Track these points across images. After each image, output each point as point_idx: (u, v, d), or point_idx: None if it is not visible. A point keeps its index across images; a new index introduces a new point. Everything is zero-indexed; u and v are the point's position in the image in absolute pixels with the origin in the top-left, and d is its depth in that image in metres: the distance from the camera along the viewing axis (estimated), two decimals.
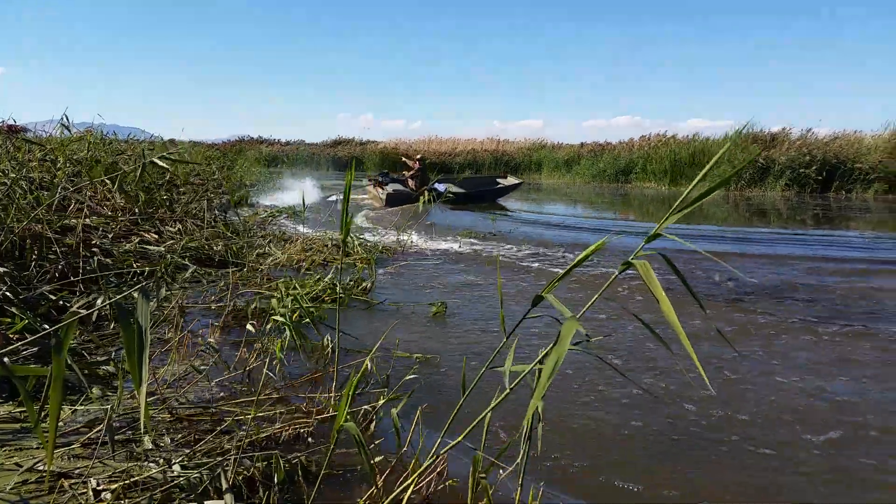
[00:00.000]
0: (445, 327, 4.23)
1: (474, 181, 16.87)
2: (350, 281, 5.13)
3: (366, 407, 2.69)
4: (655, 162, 23.26)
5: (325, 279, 4.74)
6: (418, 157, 14.81)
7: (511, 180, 16.20)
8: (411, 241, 7.90)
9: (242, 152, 35.75)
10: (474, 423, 1.66)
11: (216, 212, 7.44)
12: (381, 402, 2.66)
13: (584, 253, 1.43)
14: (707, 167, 1.39)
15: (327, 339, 3.50)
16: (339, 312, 2.43)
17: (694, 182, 1.37)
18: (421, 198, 8.30)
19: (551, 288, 1.42)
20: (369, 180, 15.21)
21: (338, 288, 4.47)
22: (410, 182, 13.89)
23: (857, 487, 2.31)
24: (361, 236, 7.26)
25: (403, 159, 15.65)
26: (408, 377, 2.91)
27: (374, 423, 2.60)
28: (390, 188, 13.46)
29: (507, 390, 1.58)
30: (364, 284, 5.12)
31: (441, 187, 13.36)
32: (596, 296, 1.44)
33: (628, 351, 3.79)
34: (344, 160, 37.12)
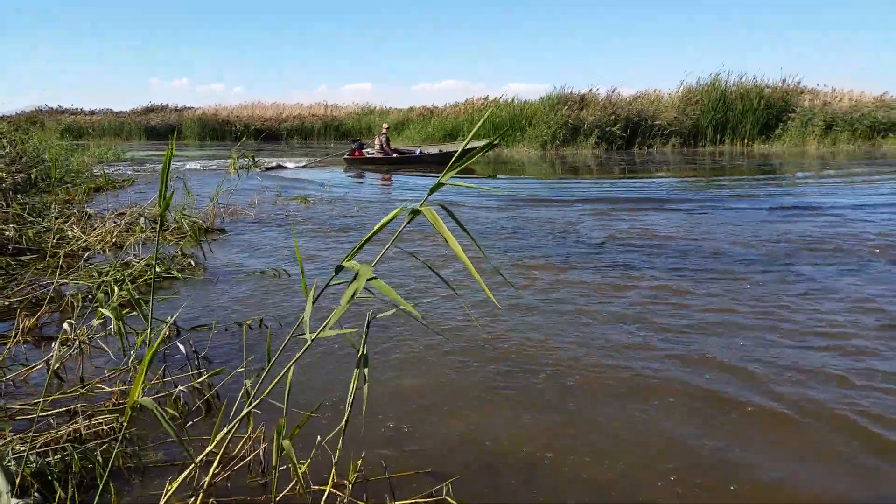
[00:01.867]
0: (279, 295, 4.20)
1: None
2: (174, 258, 4.91)
3: (182, 388, 2.65)
4: (480, 126, 24.15)
5: (142, 259, 4.49)
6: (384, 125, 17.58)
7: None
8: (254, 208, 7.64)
9: (40, 125, 31.91)
10: (276, 380, 1.72)
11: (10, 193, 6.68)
12: (202, 378, 2.64)
13: (381, 223, 1.53)
14: (474, 130, 1.54)
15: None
16: (153, 294, 2.34)
17: (466, 140, 1.53)
18: None
19: (353, 255, 1.50)
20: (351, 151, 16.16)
21: (152, 268, 4.24)
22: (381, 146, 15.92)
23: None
24: (189, 209, 6.85)
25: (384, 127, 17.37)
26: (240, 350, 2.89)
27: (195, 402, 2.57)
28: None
29: (309, 342, 1.65)
30: (187, 262, 4.92)
31: (417, 151, 16.37)
32: (387, 245, 1.54)
33: (436, 306, 4.01)
34: (159, 129, 34.40)
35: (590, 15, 54.01)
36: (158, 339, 2.06)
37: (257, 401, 1.77)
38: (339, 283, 1.69)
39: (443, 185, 1.48)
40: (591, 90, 23.58)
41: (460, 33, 59.01)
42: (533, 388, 2.82)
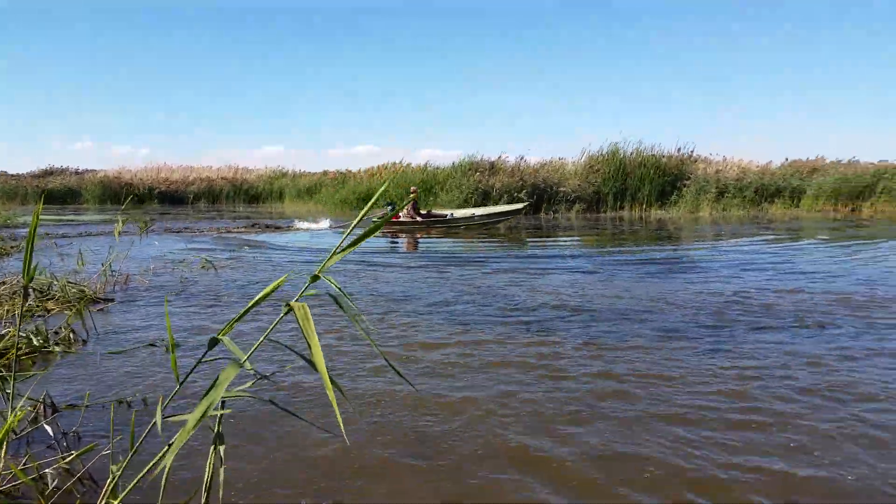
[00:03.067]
0: (166, 368, 3.96)
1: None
2: (55, 331, 4.57)
3: (49, 470, 2.42)
4: (392, 189, 24.43)
5: (9, 332, 4.15)
6: (413, 188, 17.85)
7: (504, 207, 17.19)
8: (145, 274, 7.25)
9: None
10: (144, 470, 1.59)
11: None
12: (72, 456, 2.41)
13: (260, 294, 1.47)
14: (368, 205, 1.53)
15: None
16: (14, 370, 2.16)
17: (356, 220, 1.50)
18: None
19: (228, 329, 1.43)
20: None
21: (14, 343, 3.94)
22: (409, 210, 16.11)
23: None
24: (74, 277, 6.43)
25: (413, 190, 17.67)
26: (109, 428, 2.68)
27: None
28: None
29: (166, 447, 1.54)
30: (67, 334, 4.59)
31: (448, 214, 16.50)
32: (260, 339, 1.49)
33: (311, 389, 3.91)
34: (57, 192, 32.82)
35: (500, 87, 56.40)
36: (11, 419, 1.87)
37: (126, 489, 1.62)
38: (218, 359, 1.61)
39: (318, 278, 1.43)
40: (500, 157, 24.47)
41: (373, 98, 60.07)
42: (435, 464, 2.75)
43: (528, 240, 13.54)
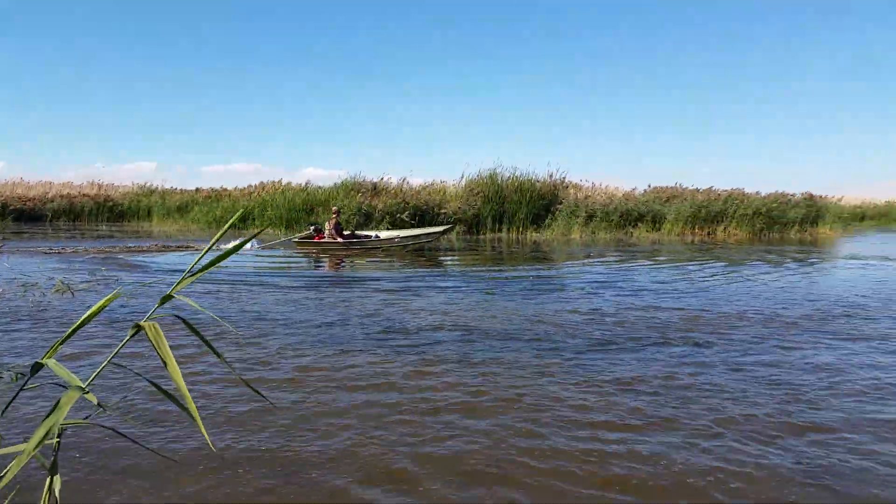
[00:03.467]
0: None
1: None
2: None
3: None
4: (272, 209, 23.78)
5: None
6: (335, 208, 16.65)
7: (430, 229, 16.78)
8: None
9: None
10: None
11: None
12: None
13: (89, 312, 1.38)
14: (222, 231, 1.48)
15: None
16: None
17: (211, 242, 1.45)
18: None
19: (53, 352, 1.33)
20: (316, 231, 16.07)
21: None
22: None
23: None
24: None
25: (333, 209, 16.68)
26: None
27: None
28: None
29: (17, 466, 1.41)
30: None
31: (373, 235, 16.21)
32: (104, 363, 1.40)
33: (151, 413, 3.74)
34: None
35: (381, 108, 56.66)
36: None
37: None
38: (43, 384, 1.49)
39: (171, 297, 1.37)
40: (382, 179, 24.51)
41: (253, 114, 58.30)
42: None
43: (411, 260, 13.61)
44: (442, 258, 14.42)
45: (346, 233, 16.18)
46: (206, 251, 1.40)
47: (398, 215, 21.86)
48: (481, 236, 22.59)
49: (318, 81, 56.87)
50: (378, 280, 9.74)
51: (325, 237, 15.48)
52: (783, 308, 7.31)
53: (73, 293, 7.63)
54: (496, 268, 12.08)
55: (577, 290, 8.64)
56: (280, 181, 27.02)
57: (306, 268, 12.06)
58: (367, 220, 21.68)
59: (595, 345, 5.35)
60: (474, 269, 11.99)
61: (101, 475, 2.74)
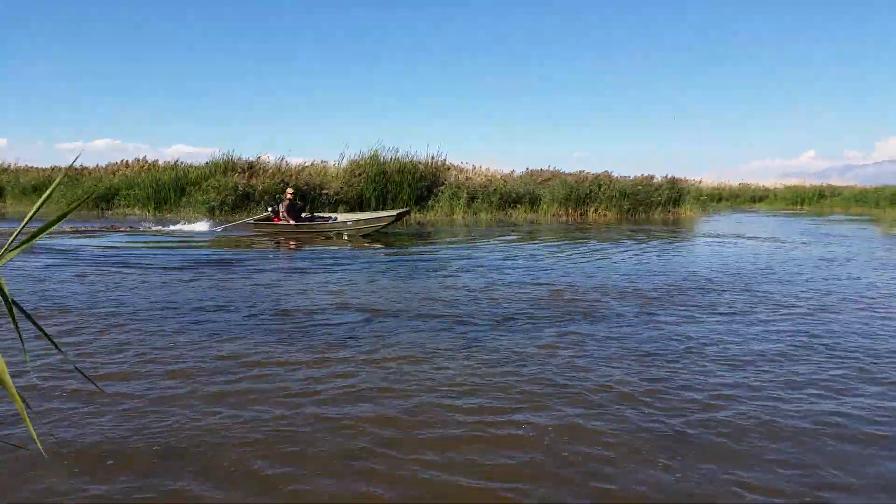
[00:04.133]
0: None
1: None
2: None
3: None
4: (139, 188, 22.38)
5: None
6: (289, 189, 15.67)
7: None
8: None
9: None
10: None
11: None
12: None
13: None
14: (40, 201, 1.40)
15: None
16: None
17: (29, 215, 1.38)
18: None
19: None
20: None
21: None
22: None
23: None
24: None
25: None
26: None
27: None
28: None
29: None
30: None
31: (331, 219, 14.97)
32: None
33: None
34: None
35: (262, 86, 54.67)
36: None
37: None
38: None
39: None
40: (259, 157, 23.70)
41: (114, 86, 54.23)
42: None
43: (304, 242, 13.32)
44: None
45: (304, 215, 15.32)
46: (21, 229, 1.32)
47: (278, 196, 21.27)
48: (163, 218, 22.38)
49: (192, 54, 53.79)
50: (265, 260, 9.48)
51: (280, 220, 14.74)
52: (644, 283, 7.90)
53: None
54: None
55: (462, 269, 8.86)
56: (145, 158, 25.46)
57: (195, 247, 11.50)
58: (246, 199, 20.93)
59: (481, 321, 5.54)
60: (361, 250, 11.95)
61: None
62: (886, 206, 32.90)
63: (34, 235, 1.27)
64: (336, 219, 15.15)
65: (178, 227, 16.27)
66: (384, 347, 4.60)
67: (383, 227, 15.04)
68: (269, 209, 15.47)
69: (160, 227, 16.03)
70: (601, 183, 25.98)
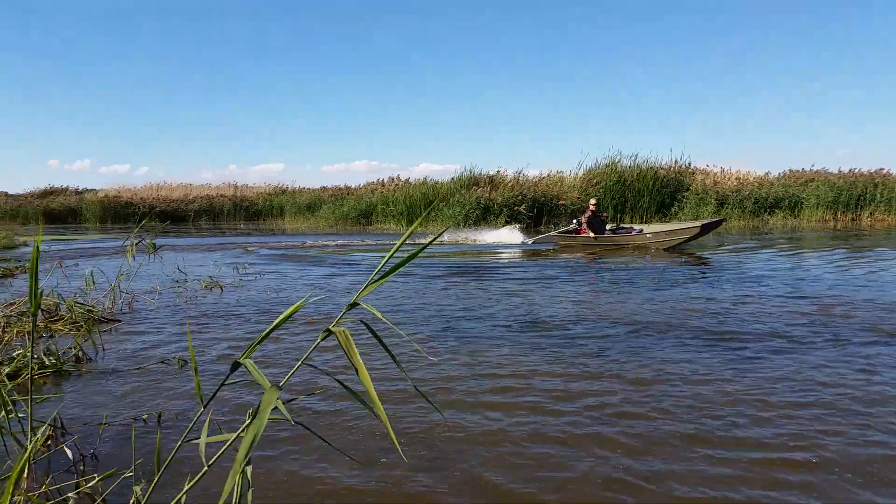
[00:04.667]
0: (181, 385, 3.94)
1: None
2: (61, 351, 4.55)
3: (72, 495, 2.40)
4: (392, 204, 24.46)
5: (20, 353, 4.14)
6: (592, 200, 15.49)
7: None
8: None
9: None
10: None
11: None
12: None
13: (281, 316, 1.47)
14: (402, 239, 1.52)
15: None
16: (31, 392, 2.15)
17: (393, 250, 1.50)
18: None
19: (250, 352, 1.43)
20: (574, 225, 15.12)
21: (29, 365, 3.93)
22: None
23: None
24: (81, 297, 6.41)
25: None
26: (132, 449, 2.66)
27: None
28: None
29: (206, 468, 1.53)
30: (77, 354, 4.57)
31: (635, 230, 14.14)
32: (298, 363, 1.48)
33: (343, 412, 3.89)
34: (58, 212, 32.91)
35: (492, 100, 56.62)
36: (31, 445, 1.86)
37: None
38: (237, 381, 1.60)
39: (357, 304, 1.43)
40: (499, 171, 24.54)
41: (370, 113, 60.19)
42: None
43: (593, 255, 12.90)
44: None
45: (610, 227, 14.70)
46: (392, 254, 1.44)
47: (516, 207, 21.81)
48: (474, 228, 22.06)
49: (422, 82, 57.67)
50: (519, 271, 9.72)
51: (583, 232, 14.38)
52: None
53: (221, 288, 8.21)
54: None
55: (712, 281, 8.22)
56: (398, 177, 27.74)
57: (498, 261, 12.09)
58: (486, 212, 21.78)
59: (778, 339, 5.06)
60: (603, 261, 11.72)
61: (282, 469, 2.93)
62: None
63: (399, 265, 1.40)
64: (641, 230, 13.93)
65: (488, 236, 16.69)
66: (640, 367, 4.39)
67: (687, 239, 13.28)
68: (574, 221, 14.90)
69: (473, 237, 16.94)
70: (877, 182, 22.49)
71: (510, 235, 16.63)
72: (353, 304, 1.42)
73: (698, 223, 13.20)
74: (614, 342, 5.06)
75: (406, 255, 1.43)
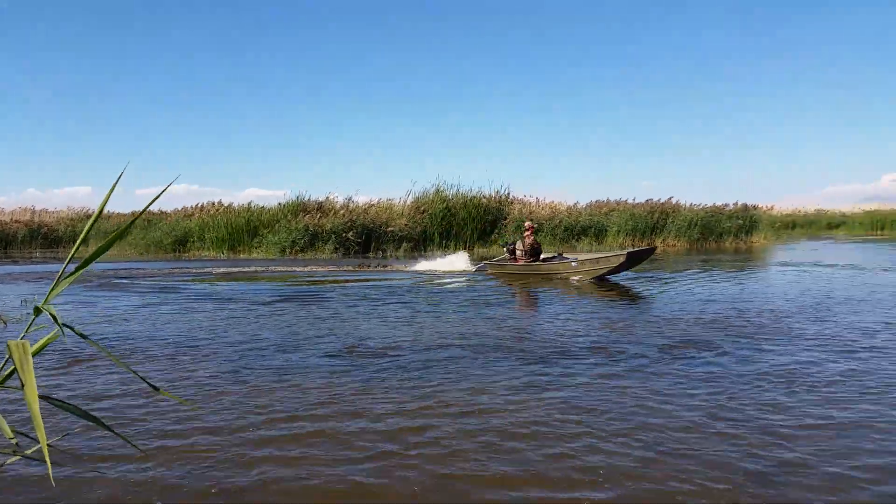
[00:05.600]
0: None
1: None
2: None
3: None
4: (213, 230, 23.25)
5: None
6: (528, 223, 14.20)
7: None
8: None
9: None
10: None
11: None
12: None
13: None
14: (79, 238, 1.46)
15: None
16: None
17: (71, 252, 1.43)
18: None
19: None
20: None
21: None
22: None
23: None
24: None
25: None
26: None
27: None
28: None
29: None
30: None
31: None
32: None
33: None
34: None
35: (325, 127, 56.15)
36: None
37: None
38: None
39: (41, 311, 1.36)
40: (328, 198, 24.33)
41: (190, 136, 56.79)
42: None
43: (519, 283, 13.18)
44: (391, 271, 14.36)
45: (544, 256, 13.53)
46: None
47: (345, 234, 21.73)
48: (429, 252, 22.63)
49: (255, 102, 55.93)
50: (328, 299, 9.62)
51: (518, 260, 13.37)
52: (740, 311, 7.59)
53: (4, 323, 7.31)
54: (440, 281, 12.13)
55: (494, 303, 8.73)
56: (220, 202, 26.48)
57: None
58: (314, 239, 21.45)
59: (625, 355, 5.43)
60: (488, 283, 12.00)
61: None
62: None
63: (79, 267, 1.33)
64: (572, 259, 12.69)
65: (435, 265, 15.63)
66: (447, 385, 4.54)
67: (614, 268, 12.04)
68: (505, 248, 14.07)
69: (412, 266, 15.87)
70: (668, 212, 25.44)
71: (458, 261, 15.70)
72: (39, 311, 1.37)
73: (623, 252, 12.26)
74: (423, 364, 5.19)
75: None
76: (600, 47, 55.06)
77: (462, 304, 8.85)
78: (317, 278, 13.21)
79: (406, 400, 4.12)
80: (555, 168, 56.09)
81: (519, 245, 13.37)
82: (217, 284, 12.09)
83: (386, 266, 16.32)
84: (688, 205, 26.71)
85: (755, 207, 28.38)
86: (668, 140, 56.27)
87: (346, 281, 12.53)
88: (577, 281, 12.07)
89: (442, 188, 24.84)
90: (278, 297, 9.69)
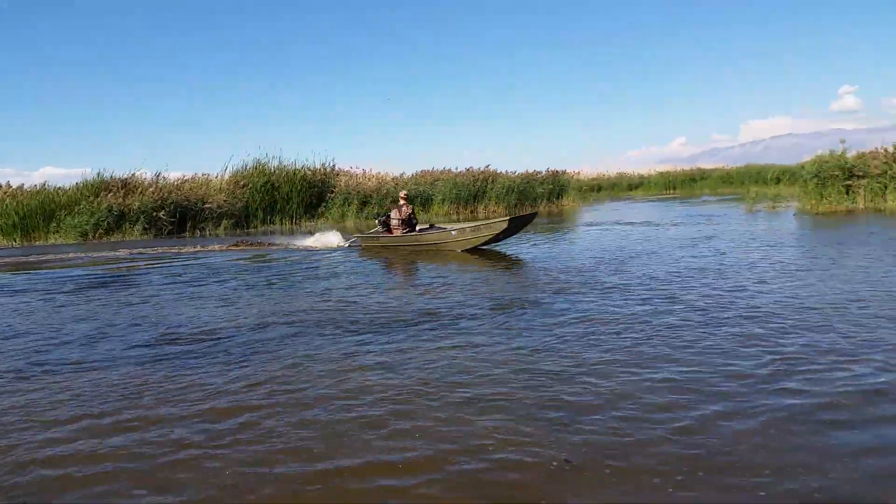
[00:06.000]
0: None
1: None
2: None
3: None
4: (2, 216, 20.58)
5: None
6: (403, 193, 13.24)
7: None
8: None
9: None
10: None
11: None
12: None
13: None
14: None
15: None
16: None
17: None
18: None
19: None
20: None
21: None
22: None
23: None
24: None
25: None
26: None
27: None
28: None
29: None
30: None
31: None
32: None
33: None
34: None
35: (132, 100, 51.63)
36: None
37: None
38: None
39: None
40: (134, 175, 22.43)
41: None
42: None
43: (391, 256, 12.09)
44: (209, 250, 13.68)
45: (420, 227, 12.85)
46: None
47: (155, 214, 20.23)
48: (252, 229, 21.82)
49: (58, 71, 49.98)
50: (148, 276, 8.98)
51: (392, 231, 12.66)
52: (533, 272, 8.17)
53: None
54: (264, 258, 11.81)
55: (327, 275, 8.78)
56: (8, 184, 23.43)
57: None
58: (120, 220, 19.76)
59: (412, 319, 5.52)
60: (242, 261, 11.60)
61: None
62: (751, 185, 35.38)
63: None
64: (451, 230, 12.28)
65: (309, 241, 14.56)
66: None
67: (494, 236, 11.78)
68: (377, 220, 13.22)
69: (290, 242, 14.83)
70: (487, 179, 26.55)
71: (333, 238, 14.58)
72: None
73: (505, 219, 11.96)
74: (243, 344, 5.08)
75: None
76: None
77: (300, 281, 8.69)
78: (123, 263, 12.25)
79: (223, 383, 4.01)
80: (380, 139, 56.23)
81: (395, 214, 12.65)
82: (5, 276, 10.82)
83: (258, 243, 15.41)
84: (504, 172, 28.05)
85: (564, 173, 30.43)
86: (485, 109, 58.45)
87: (158, 263, 11.76)
88: (459, 249, 11.80)
89: (263, 161, 23.96)
90: (80, 286, 8.89)
